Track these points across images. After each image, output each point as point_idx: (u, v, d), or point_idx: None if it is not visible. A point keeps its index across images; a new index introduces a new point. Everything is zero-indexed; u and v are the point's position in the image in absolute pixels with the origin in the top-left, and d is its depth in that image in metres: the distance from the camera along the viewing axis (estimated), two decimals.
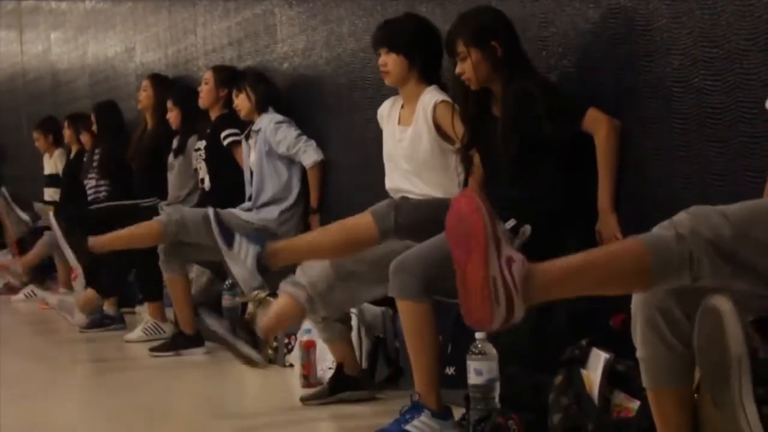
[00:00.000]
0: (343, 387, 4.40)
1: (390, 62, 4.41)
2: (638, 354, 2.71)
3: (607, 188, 3.70)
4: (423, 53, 4.40)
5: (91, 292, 6.93)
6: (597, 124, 3.71)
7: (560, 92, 3.85)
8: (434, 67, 4.48)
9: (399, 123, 4.50)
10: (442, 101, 4.32)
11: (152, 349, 5.86)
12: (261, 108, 5.89)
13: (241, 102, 5.94)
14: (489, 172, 4.11)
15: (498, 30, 3.91)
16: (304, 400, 4.41)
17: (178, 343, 5.83)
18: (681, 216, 2.45)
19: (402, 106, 4.52)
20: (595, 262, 2.52)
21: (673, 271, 2.41)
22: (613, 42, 3.74)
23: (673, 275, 2.43)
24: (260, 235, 4.01)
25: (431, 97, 4.35)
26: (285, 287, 4.26)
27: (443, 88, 4.43)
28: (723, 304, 2.35)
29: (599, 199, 3.71)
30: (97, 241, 5.82)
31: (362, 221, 3.99)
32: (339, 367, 4.43)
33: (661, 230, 2.44)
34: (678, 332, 2.57)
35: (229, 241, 3.89)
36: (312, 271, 4.25)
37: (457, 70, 3.94)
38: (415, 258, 3.71)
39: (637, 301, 2.68)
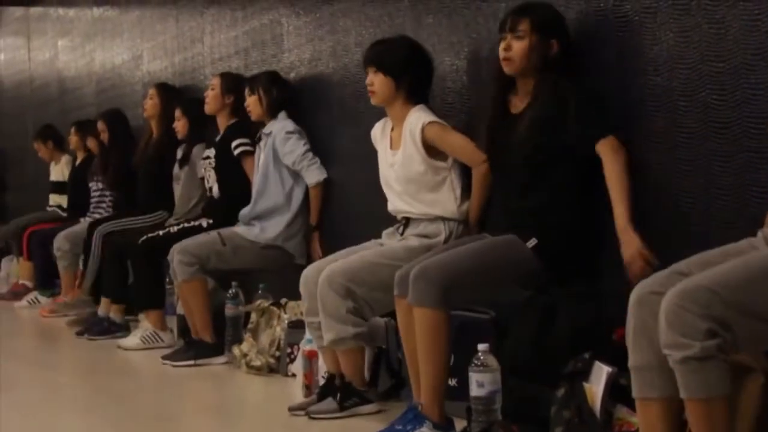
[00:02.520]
0: (353, 401, 4.38)
1: (377, 82, 4.45)
2: (630, 362, 2.72)
3: (623, 209, 3.54)
4: (411, 76, 4.43)
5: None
6: (609, 151, 3.63)
7: (598, 103, 3.74)
8: (423, 88, 4.50)
9: (391, 147, 4.52)
10: (430, 122, 4.33)
11: (165, 357, 5.83)
12: (271, 113, 5.87)
13: (253, 105, 5.91)
14: (501, 179, 4.10)
15: (562, 31, 3.87)
16: (311, 413, 4.36)
17: (198, 351, 5.80)
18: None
19: (392, 129, 4.54)
20: None
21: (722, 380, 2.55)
22: (620, 55, 3.73)
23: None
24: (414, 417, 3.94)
25: (417, 118, 4.37)
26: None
27: (432, 110, 4.46)
28: None
29: (616, 223, 3.54)
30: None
31: (405, 311, 3.91)
32: (342, 378, 4.41)
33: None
34: None
35: None
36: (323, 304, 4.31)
37: (504, 45, 3.86)
38: (435, 267, 3.70)
39: (632, 307, 2.70)
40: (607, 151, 3.62)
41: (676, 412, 2.71)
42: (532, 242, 3.77)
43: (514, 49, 3.83)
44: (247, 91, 5.95)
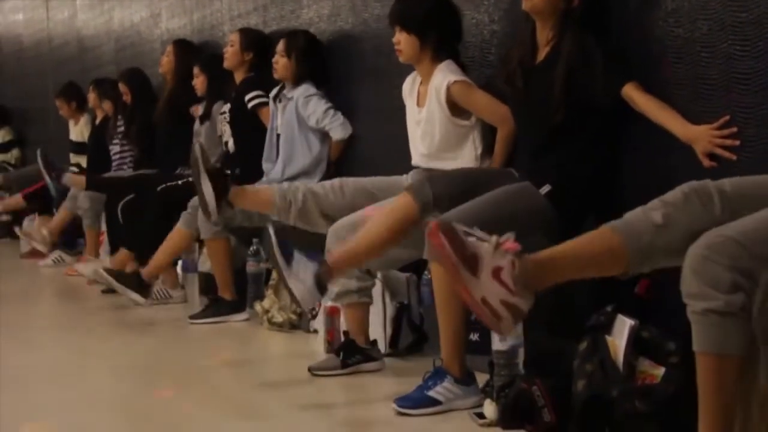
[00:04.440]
0: (357, 359, 4.39)
1: (403, 41, 4.43)
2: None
3: (673, 117, 3.50)
4: (437, 32, 4.40)
5: (124, 254, 6.93)
6: (637, 90, 3.60)
7: (622, 55, 3.72)
8: (451, 44, 4.46)
9: (418, 104, 4.51)
10: (456, 81, 4.31)
11: (191, 317, 5.84)
12: (298, 80, 5.79)
13: (282, 66, 5.81)
14: (520, 131, 4.11)
15: None
16: (313, 370, 4.39)
17: (218, 309, 5.83)
18: (676, 196, 2.62)
19: (421, 83, 4.52)
20: (580, 254, 2.77)
21: (648, 261, 2.69)
22: (641, 6, 3.70)
23: (648, 263, 2.70)
24: (317, 252, 3.97)
25: (443, 77, 4.35)
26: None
27: (460, 65, 4.43)
28: None
29: (677, 132, 3.48)
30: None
31: (400, 201, 3.94)
32: (351, 338, 4.43)
33: (644, 219, 2.64)
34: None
35: (288, 259, 3.88)
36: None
37: None
38: (452, 220, 3.69)
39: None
40: (635, 91, 3.60)
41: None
42: (546, 188, 3.77)
43: None
44: (282, 48, 5.84)
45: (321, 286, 3.87)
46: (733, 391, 2.56)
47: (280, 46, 5.83)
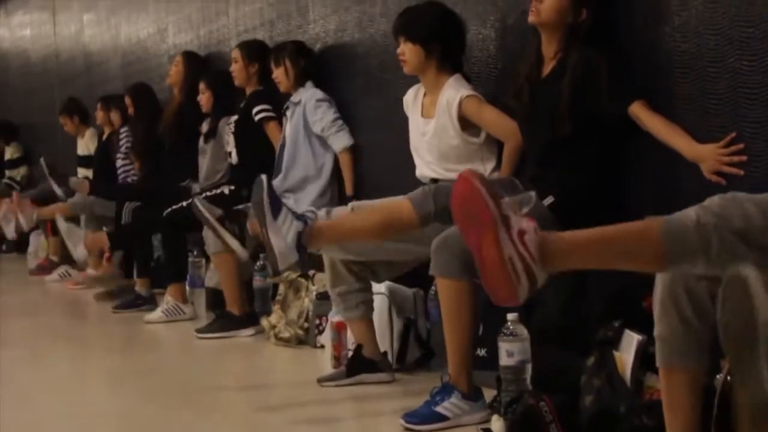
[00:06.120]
0: (360, 369, 4.40)
1: (407, 51, 4.43)
2: (655, 331, 2.71)
3: (680, 137, 3.51)
4: (442, 43, 4.41)
5: (101, 234, 6.93)
6: (645, 109, 3.61)
7: (629, 71, 3.73)
8: (455, 55, 4.47)
9: (422, 115, 4.50)
10: (468, 96, 4.31)
11: (198, 331, 5.83)
12: (299, 83, 5.85)
13: (280, 76, 5.89)
14: (529, 144, 4.10)
15: (596, 1, 3.83)
16: (321, 381, 4.41)
17: (225, 323, 5.82)
18: (713, 200, 2.42)
19: (425, 95, 4.52)
20: (612, 238, 2.51)
21: (687, 259, 2.41)
22: (647, 21, 3.70)
23: (686, 263, 2.42)
24: (306, 215, 3.95)
25: (455, 92, 4.34)
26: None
27: (467, 78, 4.44)
28: (748, 271, 2.20)
29: (683, 151, 3.49)
30: None
31: (402, 207, 3.88)
32: (358, 349, 4.42)
33: (684, 216, 2.40)
34: (698, 309, 2.58)
35: (276, 212, 3.83)
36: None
37: None
38: (457, 236, 3.69)
39: (660, 276, 2.67)
40: (642, 109, 3.60)
41: (699, 381, 2.70)
42: (549, 200, 3.76)
43: (545, 2, 3.81)
44: (272, 62, 5.93)
45: (301, 248, 3.77)
46: (690, 404, 2.67)
47: (272, 61, 5.93)
